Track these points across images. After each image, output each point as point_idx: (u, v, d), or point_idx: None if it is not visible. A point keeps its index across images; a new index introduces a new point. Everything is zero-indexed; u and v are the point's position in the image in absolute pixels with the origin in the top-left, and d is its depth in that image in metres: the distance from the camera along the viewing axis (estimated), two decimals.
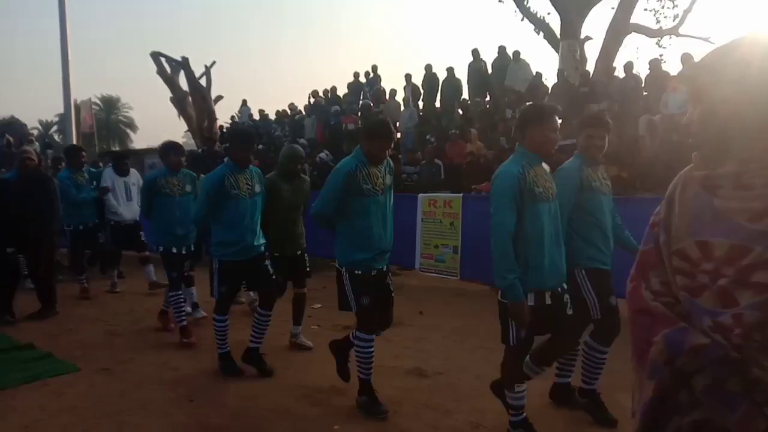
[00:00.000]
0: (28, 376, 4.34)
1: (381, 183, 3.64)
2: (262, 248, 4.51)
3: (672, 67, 12.86)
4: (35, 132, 44.75)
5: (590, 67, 13.38)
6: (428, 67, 14.11)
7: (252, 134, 5.87)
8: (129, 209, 7.22)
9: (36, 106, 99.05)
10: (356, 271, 3.59)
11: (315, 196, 3.94)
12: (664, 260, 1.40)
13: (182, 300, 5.37)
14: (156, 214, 5.26)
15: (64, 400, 3.91)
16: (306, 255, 5.09)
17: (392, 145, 3.79)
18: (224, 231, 4.35)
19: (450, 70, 13.49)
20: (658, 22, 15.11)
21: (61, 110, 14.86)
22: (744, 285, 1.23)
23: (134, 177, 7.45)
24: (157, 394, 4.02)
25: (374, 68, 16.33)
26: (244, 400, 3.90)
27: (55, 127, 45.29)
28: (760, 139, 1.25)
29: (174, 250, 5.24)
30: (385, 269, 3.78)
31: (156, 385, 4.20)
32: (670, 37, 14.87)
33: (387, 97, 14.47)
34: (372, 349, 3.67)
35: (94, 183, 7.36)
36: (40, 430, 3.45)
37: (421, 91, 14.20)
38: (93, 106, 24.53)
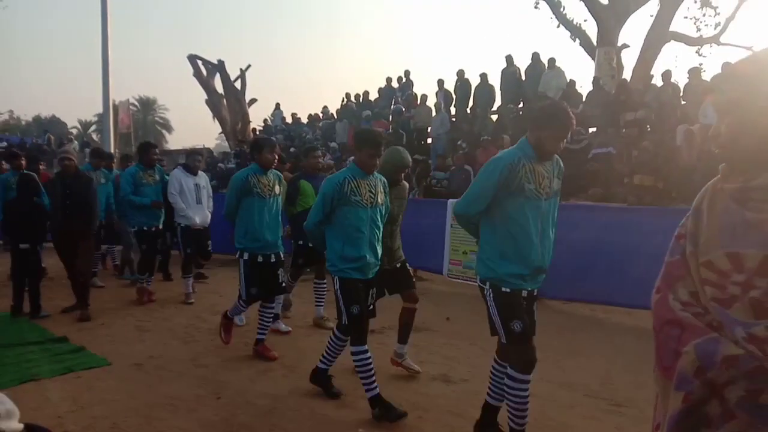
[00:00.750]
0: (61, 368, 4.45)
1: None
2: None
3: (712, 76, 12.55)
4: (74, 131, 46.13)
5: (627, 75, 13.16)
6: (461, 73, 14.08)
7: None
8: (200, 213, 6.70)
9: (76, 106, 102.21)
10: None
11: None
12: (692, 271, 1.39)
13: (269, 317, 5.01)
14: (242, 217, 4.76)
15: (95, 393, 3.99)
16: (407, 265, 4.51)
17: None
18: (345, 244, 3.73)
19: (483, 76, 13.43)
20: (698, 30, 14.84)
21: (100, 110, 15.22)
22: None
23: (203, 178, 6.97)
24: (185, 389, 4.08)
25: (407, 73, 16.38)
26: (270, 399, 3.92)
27: (93, 127, 46.55)
28: None
29: (260, 259, 4.76)
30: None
31: (184, 381, 4.26)
32: (711, 46, 14.58)
33: (418, 102, 14.47)
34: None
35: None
36: (73, 421, 3.52)
37: (453, 96, 14.16)
38: (131, 107, 25.14)
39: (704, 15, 14.83)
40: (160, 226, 6.97)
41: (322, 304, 5.84)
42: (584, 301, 6.61)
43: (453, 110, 14.12)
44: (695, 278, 1.38)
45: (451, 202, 7.97)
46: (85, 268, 6.29)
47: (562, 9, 15.18)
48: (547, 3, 15.29)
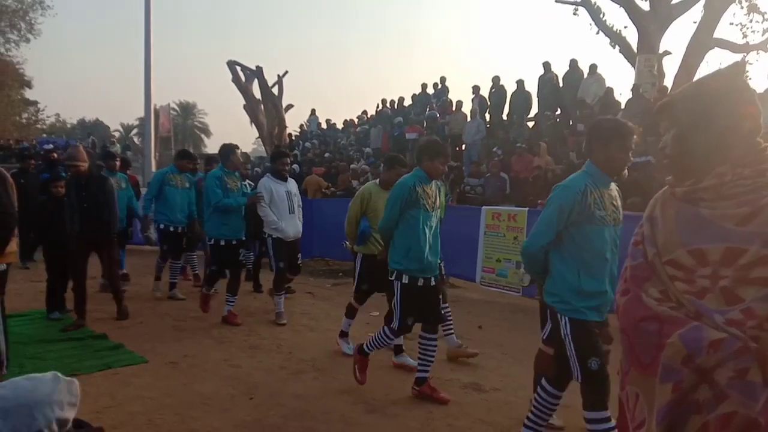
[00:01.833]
0: (100, 364, 4.57)
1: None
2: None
3: (759, 83, 12.21)
4: (117, 134, 47.50)
5: (668, 82, 12.88)
6: (496, 79, 14.00)
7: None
8: (292, 224, 5.94)
9: (119, 111, 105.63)
10: None
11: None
12: (658, 271, 1.51)
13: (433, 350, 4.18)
14: (403, 233, 3.98)
15: (131, 390, 4.08)
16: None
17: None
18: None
19: (520, 83, 13.32)
20: (744, 36, 14.42)
21: (142, 114, 15.64)
22: (745, 282, 1.35)
23: (293, 185, 6.18)
24: (218, 389, 4.14)
25: (443, 80, 16.36)
26: (301, 401, 3.95)
27: (135, 130, 47.85)
28: (722, 160, 1.45)
29: (420, 282, 4.01)
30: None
31: (218, 380, 4.32)
32: (758, 53, 14.14)
33: (453, 108, 14.44)
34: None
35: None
36: (110, 416, 3.61)
37: (488, 103, 14.08)
38: (171, 111, 25.75)
39: (751, 21, 14.42)
40: (243, 238, 6.25)
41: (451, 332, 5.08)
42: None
43: (488, 117, 14.03)
44: (663, 277, 1.49)
45: (485, 209, 7.93)
46: (115, 276, 6.00)
47: (602, 15, 14.95)
48: (587, 9, 15.08)
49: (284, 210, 5.88)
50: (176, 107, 48.12)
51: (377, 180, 5.12)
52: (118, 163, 7.62)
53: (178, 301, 7.00)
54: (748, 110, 1.48)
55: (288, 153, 6.06)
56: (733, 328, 1.35)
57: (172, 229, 7.06)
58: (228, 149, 6.15)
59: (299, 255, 6.18)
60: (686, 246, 1.46)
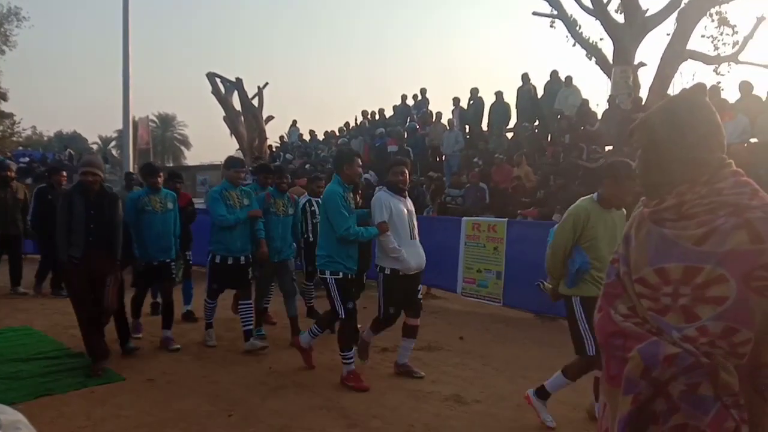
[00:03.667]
0: (76, 383, 4.48)
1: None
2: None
3: (730, 94, 12.49)
4: (95, 146, 46.89)
5: (644, 93, 13.10)
6: (474, 91, 14.14)
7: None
8: (415, 253, 4.66)
9: (97, 123, 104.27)
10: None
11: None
12: (627, 288, 1.57)
13: None
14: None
15: (108, 408, 4.01)
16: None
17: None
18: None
19: (498, 94, 13.46)
20: (716, 48, 14.73)
21: (120, 126, 15.50)
22: (702, 300, 1.41)
23: (410, 202, 4.87)
24: (197, 406, 4.08)
25: (423, 91, 16.45)
26: (281, 417, 3.91)
27: (113, 143, 47.28)
28: (682, 179, 1.52)
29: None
30: None
31: (196, 397, 4.26)
32: (729, 65, 14.45)
33: (433, 119, 14.54)
34: None
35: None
36: None
37: (467, 114, 14.20)
38: (150, 123, 25.52)
39: (722, 34, 14.72)
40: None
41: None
42: None
43: (467, 128, 14.15)
44: (631, 294, 1.56)
45: (465, 219, 7.97)
46: (114, 306, 4.93)
47: (578, 28, 15.18)
48: (563, 22, 15.30)
49: (405, 234, 4.61)
50: (155, 119, 47.67)
51: (594, 195, 3.75)
52: (161, 179, 5.83)
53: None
54: (709, 129, 1.53)
55: (405, 160, 4.97)
56: (688, 343, 1.41)
57: (230, 261, 5.47)
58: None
59: (419, 289, 4.89)
60: (653, 265, 1.51)
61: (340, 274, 4.54)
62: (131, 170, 13.12)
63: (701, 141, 1.52)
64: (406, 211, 4.68)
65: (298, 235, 6.29)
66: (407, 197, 4.81)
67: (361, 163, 4.80)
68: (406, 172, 4.78)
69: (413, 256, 4.62)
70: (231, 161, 5.95)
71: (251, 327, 5.55)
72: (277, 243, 5.75)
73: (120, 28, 13.65)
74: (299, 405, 4.15)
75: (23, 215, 8.08)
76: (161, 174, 5.95)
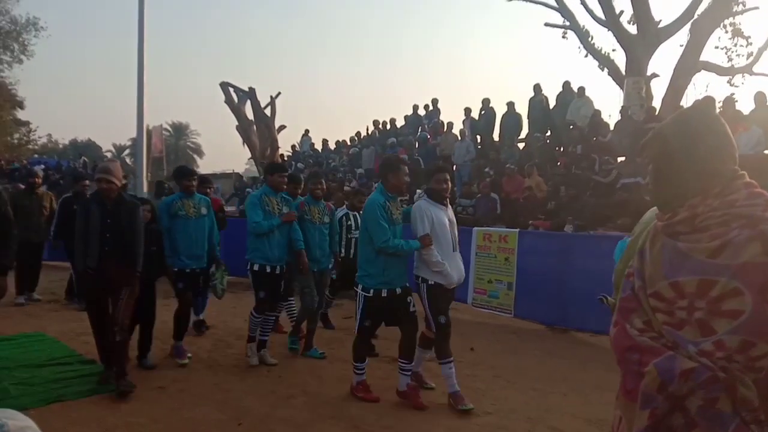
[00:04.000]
0: (88, 389, 4.50)
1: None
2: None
3: (744, 105, 12.41)
4: (109, 154, 47.44)
5: (656, 104, 13.05)
6: (486, 101, 14.14)
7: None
8: (457, 266, 4.44)
9: (111, 131, 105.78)
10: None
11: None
12: (642, 302, 1.56)
13: None
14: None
15: (119, 416, 4.02)
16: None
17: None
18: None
19: (510, 105, 13.46)
20: (730, 60, 14.66)
21: (134, 135, 15.65)
22: (717, 314, 1.39)
23: (451, 210, 4.65)
24: (207, 414, 4.09)
25: (434, 101, 16.50)
26: (290, 426, 3.90)
27: (127, 151, 47.78)
28: (695, 192, 1.50)
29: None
30: None
31: (207, 405, 4.27)
32: (743, 76, 14.37)
33: (444, 129, 14.56)
34: None
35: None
36: None
37: (479, 124, 14.20)
38: (164, 132, 25.79)
39: (736, 45, 14.67)
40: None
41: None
42: None
43: (479, 138, 14.15)
44: (646, 308, 1.55)
45: (476, 230, 7.95)
46: (126, 321, 4.57)
47: (590, 39, 15.19)
48: (575, 33, 15.32)
49: (447, 247, 4.34)
50: (169, 128, 48.19)
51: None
52: (195, 183, 5.57)
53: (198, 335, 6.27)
54: (720, 141, 1.52)
55: (448, 167, 4.80)
56: (705, 358, 1.39)
57: (269, 270, 5.26)
58: (389, 163, 4.59)
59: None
60: (667, 279, 1.50)
61: (371, 291, 4.30)
62: (146, 178, 13.20)
63: (713, 153, 1.51)
64: (447, 221, 4.41)
65: (335, 246, 6.01)
66: (448, 206, 4.57)
67: (408, 171, 4.51)
68: (449, 179, 4.55)
69: (455, 269, 4.39)
70: (274, 166, 5.68)
71: (267, 338, 5.40)
72: (315, 252, 5.54)
73: (135, 38, 13.81)
74: (309, 414, 4.14)
75: (48, 224, 7.95)
76: (195, 177, 5.71)
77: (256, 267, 5.23)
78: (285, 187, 5.47)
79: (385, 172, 4.46)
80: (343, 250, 6.36)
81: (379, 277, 4.28)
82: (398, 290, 4.35)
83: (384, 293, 4.30)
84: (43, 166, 19.68)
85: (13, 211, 7.60)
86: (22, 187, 9.05)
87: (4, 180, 17.28)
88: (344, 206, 6.84)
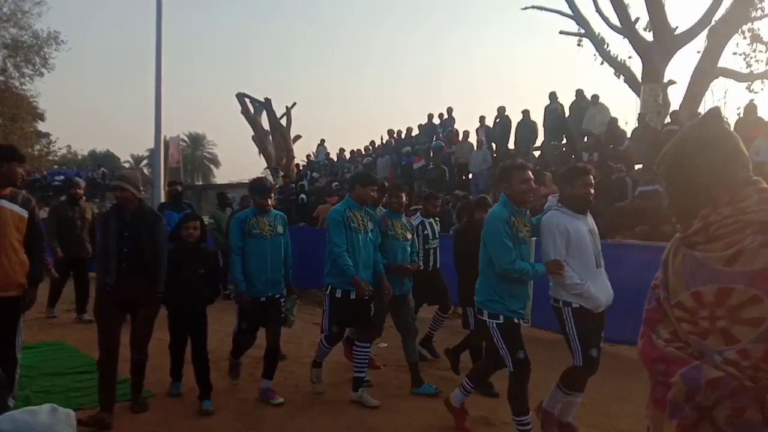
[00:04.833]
0: None
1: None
2: None
3: (763, 112, 12.25)
4: (127, 165, 48.03)
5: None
6: (501, 110, 14.11)
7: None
8: (604, 286, 3.78)
9: (129, 142, 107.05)
10: None
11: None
12: (668, 313, 1.58)
13: None
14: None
15: (137, 423, 4.06)
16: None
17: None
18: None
19: (525, 113, 13.42)
20: (748, 66, 14.52)
21: (152, 146, 15.85)
22: (739, 322, 1.39)
23: (591, 219, 3.90)
24: (224, 422, 4.10)
25: (449, 110, 16.50)
26: None
27: (145, 161, 48.34)
28: (707, 203, 1.51)
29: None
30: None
31: (224, 414, 4.29)
32: (763, 82, 14.22)
33: (460, 138, 14.54)
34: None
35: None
36: None
37: (494, 133, 14.17)
38: (181, 143, 26.08)
39: (755, 51, 14.54)
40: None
41: None
42: (632, 344, 6.37)
43: (494, 146, 14.12)
44: (671, 319, 1.57)
45: None
46: (143, 343, 4.30)
47: (605, 46, 15.14)
48: (591, 40, 15.28)
49: (589, 264, 3.68)
50: (186, 138, 48.65)
51: None
52: (272, 201, 4.91)
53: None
54: (728, 150, 1.54)
55: (589, 167, 3.99)
56: (730, 367, 1.39)
57: (353, 296, 4.56)
58: (507, 172, 3.81)
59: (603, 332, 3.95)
60: (689, 289, 1.51)
61: (501, 317, 3.68)
62: (164, 187, 13.34)
63: (719, 166, 1.52)
64: (589, 233, 3.71)
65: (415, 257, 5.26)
66: (588, 214, 3.82)
67: (531, 176, 3.77)
68: (592, 180, 3.76)
69: (602, 289, 3.69)
70: (364, 177, 4.92)
71: (363, 375, 4.70)
72: None
73: (153, 51, 14.04)
74: (326, 424, 4.14)
75: (92, 237, 7.44)
76: (273, 194, 5.05)
77: (338, 294, 4.56)
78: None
79: (504, 181, 3.79)
80: (421, 262, 5.48)
81: (503, 302, 3.71)
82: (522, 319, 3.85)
83: (515, 320, 3.79)
84: (62, 177, 19.98)
85: (57, 224, 7.44)
86: (63, 198, 8.48)
87: (26, 191, 17.54)
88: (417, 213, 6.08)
